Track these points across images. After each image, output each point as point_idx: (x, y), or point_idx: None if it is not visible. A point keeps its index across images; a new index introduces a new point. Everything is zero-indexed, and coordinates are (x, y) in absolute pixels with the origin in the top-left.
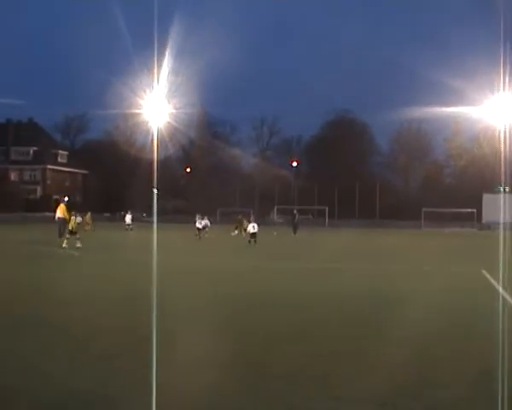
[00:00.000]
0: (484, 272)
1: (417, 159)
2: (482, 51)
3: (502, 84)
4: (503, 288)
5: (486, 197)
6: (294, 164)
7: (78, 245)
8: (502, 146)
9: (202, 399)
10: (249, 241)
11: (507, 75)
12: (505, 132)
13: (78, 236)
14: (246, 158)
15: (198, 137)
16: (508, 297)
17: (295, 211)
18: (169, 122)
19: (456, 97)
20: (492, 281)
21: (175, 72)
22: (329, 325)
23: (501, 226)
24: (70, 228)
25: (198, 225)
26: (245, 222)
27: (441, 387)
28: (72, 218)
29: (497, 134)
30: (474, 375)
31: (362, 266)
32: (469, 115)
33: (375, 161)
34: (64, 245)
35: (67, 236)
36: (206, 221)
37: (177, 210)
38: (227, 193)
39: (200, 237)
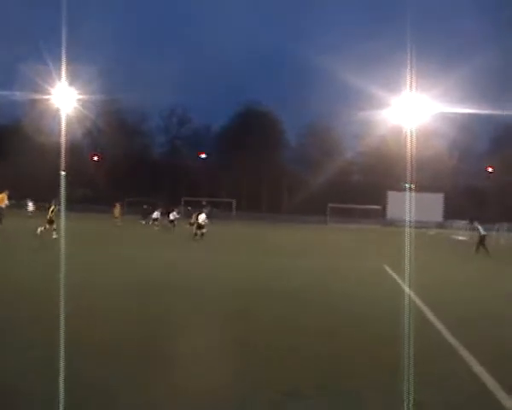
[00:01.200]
0: (386, 266)
1: (326, 155)
2: (391, 55)
3: (408, 87)
4: (404, 281)
5: (391, 194)
6: (203, 156)
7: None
8: (407, 145)
9: None
10: (195, 234)
11: (413, 78)
12: (410, 132)
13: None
14: (155, 148)
15: (107, 125)
16: (407, 289)
17: (204, 202)
18: (77, 108)
19: (366, 97)
20: (394, 275)
21: (83, 58)
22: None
23: (405, 223)
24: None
25: (171, 217)
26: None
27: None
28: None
29: (403, 134)
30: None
31: (255, 260)
32: (378, 115)
33: (284, 155)
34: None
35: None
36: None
37: (86, 199)
38: (136, 182)
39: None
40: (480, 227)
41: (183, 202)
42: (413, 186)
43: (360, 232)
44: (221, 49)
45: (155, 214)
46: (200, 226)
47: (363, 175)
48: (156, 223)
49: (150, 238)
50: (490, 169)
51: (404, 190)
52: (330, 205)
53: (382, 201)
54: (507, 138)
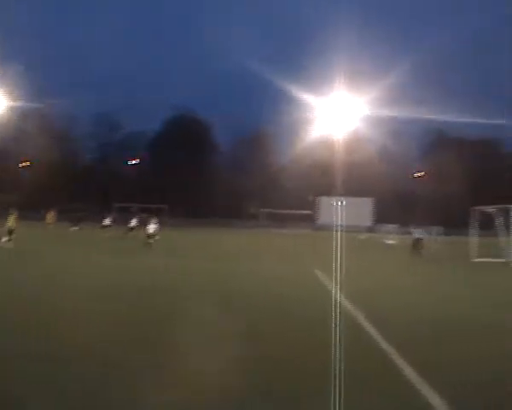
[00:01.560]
0: (316, 271)
1: (258, 160)
2: (323, 60)
3: (338, 92)
4: (333, 284)
5: (322, 200)
6: (135, 161)
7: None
8: (337, 151)
9: None
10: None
11: (343, 83)
12: (341, 138)
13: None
14: (86, 153)
15: (35, 131)
16: (336, 292)
17: (135, 208)
18: (4, 114)
19: (298, 102)
20: (324, 279)
21: (8, 63)
22: None
23: (336, 228)
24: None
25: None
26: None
27: None
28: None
29: (333, 139)
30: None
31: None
32: (309, 120)
33: (216, 160)
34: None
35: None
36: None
37: (11, 205)
38: (66, 188)
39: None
40: (415, 231)
41: (115, 208)
42: (343, 191)
43: (291, 237)
44: (154, 54)
45: (107, 221)
46: (150, 235)
47: (295, 180)
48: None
49: (104, 243)
50: (419, 174)
51: (335, 195)
52: (262, 210)
53: (314, 206)
54: (436, 144)
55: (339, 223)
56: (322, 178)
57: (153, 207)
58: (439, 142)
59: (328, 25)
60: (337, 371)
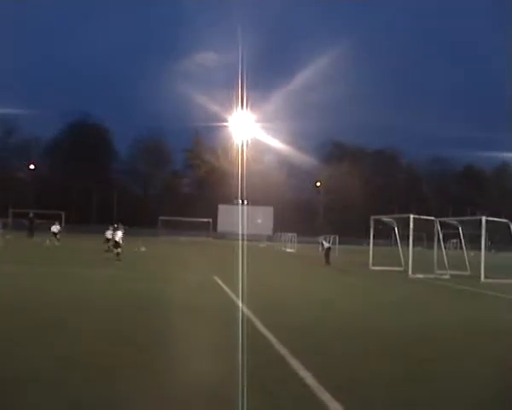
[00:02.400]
0: (216, 277)
1: (156, 167)
2: (225, 70)
3: (240, 104)
4: (232, 290)
5: (222, 208)
6: (31, 166)
7: None
8: (238, 160)
9: None
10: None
11: (245, 96)
12: (242, 147)
13: None
14: None
15: None
16: (235, 298)
17: (31, 214)
18: None
19: (199, 111)
20: (223, 285)
21: None
22: None
23: (236, 236)
24: None
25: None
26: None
27: None
28: None
29: (234, 148)
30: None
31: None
32: (210, 128)
33: (114, 167)
34: None
35: None
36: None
37: None
38: None
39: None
40: (324, 241)
41: (10, 214)
42: (244, 200)
43: (190, 245)
44: (53, 59)
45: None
46: (117, 245)
47: (195, 188)
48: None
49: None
50: (318, 184)
51: (235, 203)
52: (161, 218)
53: (213, 214)
54: (334, 155)
55: (239, 231)
56: (222, 186)
57: (49, 214)
58: (338, 153)
59: (233, 36)
60: (241, 377)
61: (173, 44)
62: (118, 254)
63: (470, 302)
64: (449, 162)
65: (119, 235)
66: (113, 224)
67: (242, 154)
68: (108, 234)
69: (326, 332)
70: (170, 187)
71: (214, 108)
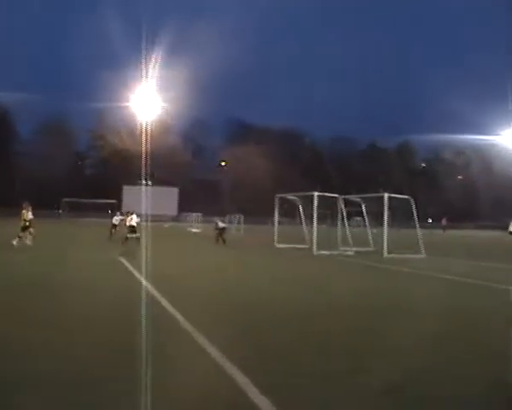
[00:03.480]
0: (121, 258)
1: (59, 148)
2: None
3: (144, 84)
4: (136, 269)
5: (126, 189)
6: None
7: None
8: (142, 140)
9: None
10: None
11: (149, 75)
12: (147, 127)
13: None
14: None
15: None
16: (140, 277)
17: None
18: None
19: (102, 91)
20: (128, 265)
21: None
22: None
23: (141, 216)
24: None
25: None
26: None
27: None
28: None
29: (138, 129)
30: None
31: None
32: (114, 109)
33: (15, 148)
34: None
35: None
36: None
37: None
38: None
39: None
40: (220, 222)
41: None
42: (149, 181)
43: (95, 226)
44: None
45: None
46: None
47: (99, 169)
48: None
49: None
50: (223, 163)
51: (140, 184)
52: (65, 200)
53: (118, 195)
54: (238, 134)
55: (144, 212)
56: (127, 167)
57: None
58: (242, 132)
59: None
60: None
61: (77, 24)
62: (138, 238)
63: (369, 276)
64: (352, 141)
65: (134, 219)
66: (120, 210)
67: (146, 134)
68: (115, 220)
69: (218, 302)
70: (73, 168)
71: (118, 88)
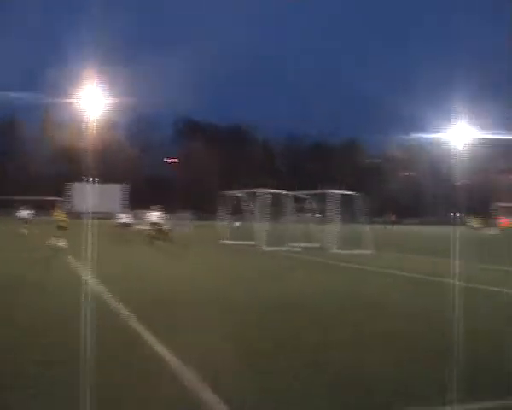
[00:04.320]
0: (69, 257)
1: (6, 144)
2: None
3: (90, 79)
4: (83, 267)
5: (73, 186)
6: None
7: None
8: (89, 137)
9: None
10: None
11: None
12: (94, 123)
13: None
14: None
15: None
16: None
17: None
18: None
19: (48, 86)
20: (76, 262)
21: None
22: None
23: (88, 214)
24: None
25: None
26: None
27: None
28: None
29: (84, 125)
30: None
31: None
32: (60, 104)
33: None
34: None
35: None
36: None
37: None
38: None
39: None
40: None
41: None
42: (95, 178)
43: (42, 224)
44: None
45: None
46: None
47: (45, 166)
48: None
49: None
50: (172, 160)
51: (87, 181)
52: (18, 198)
53: (65, 192)
54: (187, 131)
55: (90, 209)
56: (73, 163)
57: None
58: (192, 129)
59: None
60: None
61: (21, 18)
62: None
63: (313, 271)
64: (301, 138)
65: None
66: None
67: (94, 130)
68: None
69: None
70: (21, 165)
71: (64, 83)
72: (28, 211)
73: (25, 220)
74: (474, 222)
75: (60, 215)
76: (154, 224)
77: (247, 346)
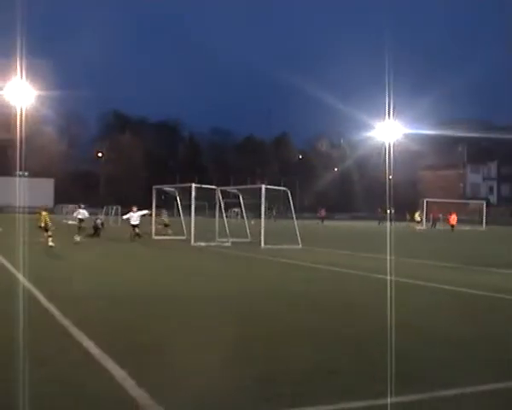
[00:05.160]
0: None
1: None
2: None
3: (19, 72)
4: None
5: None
6: None
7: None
8: (17, 131)
9: None
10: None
11: (23, 63)
12: (21, 117)
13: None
14: None
15: None
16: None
17: None
18: None
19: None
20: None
21: None
22: None
23: (15, 209)
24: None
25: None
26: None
27: None
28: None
29: (12, 118)
30: None
31: None
32: None
33: None
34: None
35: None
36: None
37: None
38: None
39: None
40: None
41: None
42: (24, 172)
43: None
44: None
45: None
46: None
47: None
48: None
49: None
50: (99, 154)
51: (14, 175)
52: None
53: None
54: (114, 125)
55: (17, 204)
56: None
57: None
58: (119, 123)
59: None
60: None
61: None
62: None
63: (242, 265)
64: (230, 133)
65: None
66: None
67: (21, 124)
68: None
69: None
70: None
71: None
72: None
73: None
74: (414, 217)
75: None
76: (81, 220)
77: None
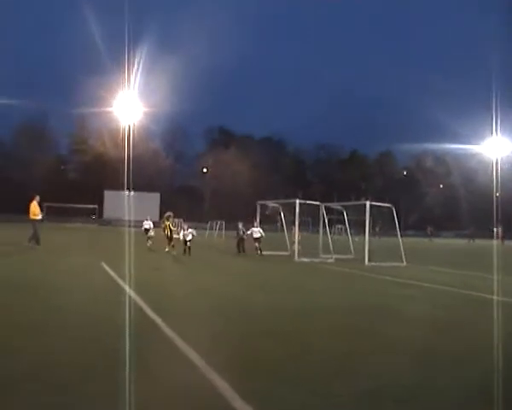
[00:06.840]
0: (103, 263)
1: (40, 152)
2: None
3: (126, 88)
4: (119, 276)
5: (108, 194)
6: None
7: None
8: (124, 145)
9: None
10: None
11: (130, 80)
12: (128, 132)
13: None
14: None
15: None
16: (120, 282)
17: None
18: None
19: (83, 95)
20: (109, 270)
21: None
22: None
23: (123, 222)
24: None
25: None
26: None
27: None
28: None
29: (120, 134)
30: None
31: None
32: (95, 113)
33: None
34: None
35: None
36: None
37: None
38: None
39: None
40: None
41: None
42: (130, 186)
43: (76, 231)
44: None
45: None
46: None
47: (80, 173)
48: None
49: None
50: (204, 170)
51: (122, 189)
52: (46, 204)
53: (100, 200)
54: (220, 141)
55: (125, 217)
56: (108, 172)
57: None
58: (224, 139)
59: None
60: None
61: (59, 27)
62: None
63: (348, 282)
64: (334, 149)
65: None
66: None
67: (128, 139)
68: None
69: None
70: (53, 172)
71: (101, 92)
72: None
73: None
74: None
75: None
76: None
77: None
